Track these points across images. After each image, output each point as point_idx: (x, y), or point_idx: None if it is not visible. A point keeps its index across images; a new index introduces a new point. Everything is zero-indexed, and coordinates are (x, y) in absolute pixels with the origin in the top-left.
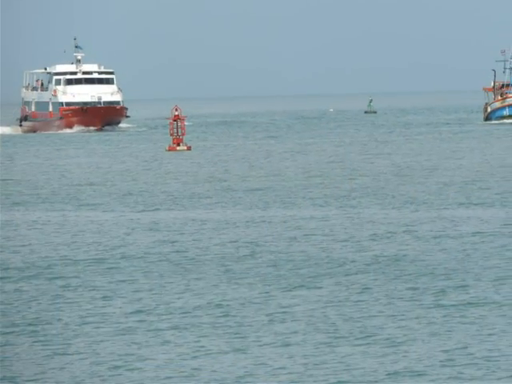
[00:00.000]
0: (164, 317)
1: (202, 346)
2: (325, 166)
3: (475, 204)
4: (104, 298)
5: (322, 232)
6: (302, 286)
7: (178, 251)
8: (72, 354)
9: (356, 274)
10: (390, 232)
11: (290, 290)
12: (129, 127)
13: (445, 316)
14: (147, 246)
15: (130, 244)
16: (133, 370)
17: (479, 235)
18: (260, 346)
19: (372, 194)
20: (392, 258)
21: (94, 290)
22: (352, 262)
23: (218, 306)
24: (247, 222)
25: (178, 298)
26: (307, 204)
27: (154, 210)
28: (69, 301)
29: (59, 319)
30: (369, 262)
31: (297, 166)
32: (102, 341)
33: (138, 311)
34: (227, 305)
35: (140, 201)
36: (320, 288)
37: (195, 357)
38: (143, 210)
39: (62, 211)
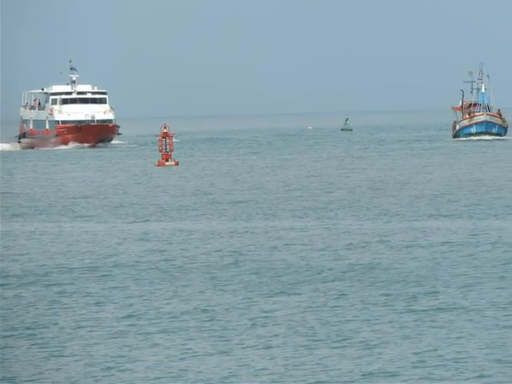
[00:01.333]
0: (153, 321)
1: (189, 349)
2: (304, 180)
3: (444, 215)
4: (97, 303)
5: (301, 242)
6: (283, 292)
7: (166, 260)
8: (67, 356)
9: (333, 281)
10: (364, 242)
11: (272, 296)
12: (120, 144)
13: (416, 320)
14: (138, 254)
15: (122, 253)
16: (124, 370)
17: (448, 245)
18: (243, 348)
19: (348, 206)
20: (366, 266)
21: (87, 296)
22: (329, 269)
23: (204, 311)
24: (231, 232)
25: (167, 304)
26: (287, 215)
27: (144, 221)
28: (64, 306)
29: (55, 323)
30: (345, 269)
31: (277, 180)
32: (95, 343)
33: (129, 316)
34: (212, 310)
35: (131, 212)
36: (299, 294)
37: (182, 358)
38: (134, 221)
39: (58, 222)
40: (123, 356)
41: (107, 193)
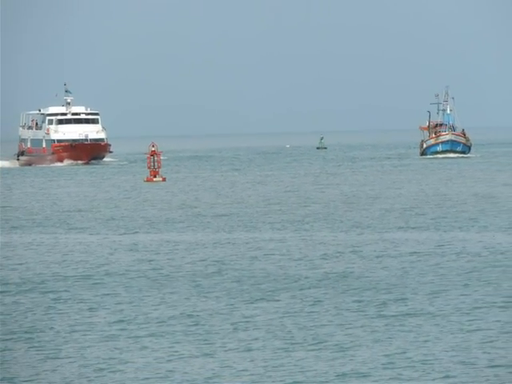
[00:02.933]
0: (142, 325)
1: (176, 351)
2: (282, 194)
3: (412, 228)
4: (90, 309)
5: (279, 252)
6: (263, 298)
7: (154, 269)
8: (62, 358)
9: (309, 288)
10: (338, 252)
11: (252, 303)
12: (112, 161)
13: (386, 325)
14: (128, 264)
15: (113, 262)
16: (115, 371)
17: (416, 255)
18: (225, 350)
19: (323, 219)
20: (340, 274)
21: (81, 302)
22: (305, 278)
23: (189, 316)
24: (214, 243)
25: (155, 310)
26: (267, 228)
27: (133, 233)
28: (60, 312)
29: (51, 327)
30: (320, 278)
31: (258, 194)
32: (88, 346)
33: (120, 321)
34: (197, 315)
35: (121, 225)
36: (278, 301)
37: (169, 360)
38: (124, 233)
39: (53, 234)
40: (114, 358)
41: (99, 206)
